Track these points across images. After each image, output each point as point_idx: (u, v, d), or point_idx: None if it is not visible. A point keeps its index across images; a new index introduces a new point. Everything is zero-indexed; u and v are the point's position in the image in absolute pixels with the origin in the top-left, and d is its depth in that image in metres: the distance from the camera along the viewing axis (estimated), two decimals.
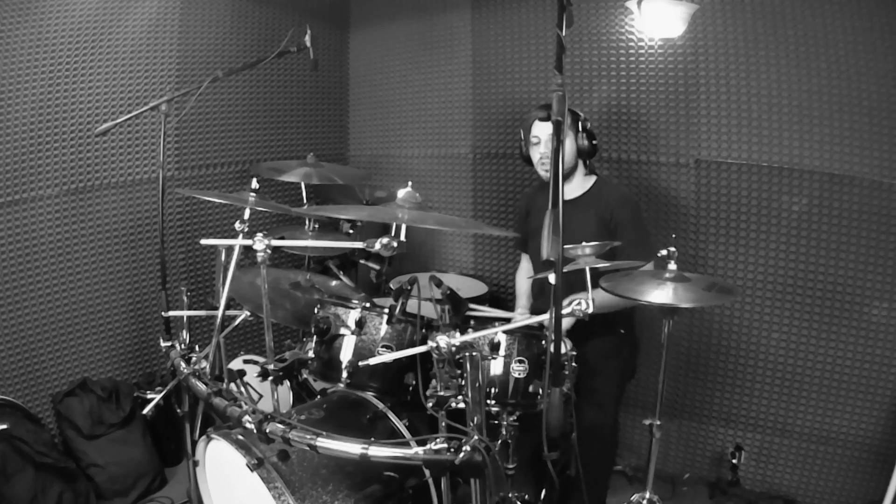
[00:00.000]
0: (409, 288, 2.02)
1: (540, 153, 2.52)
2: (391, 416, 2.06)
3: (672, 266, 1.95)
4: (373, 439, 1.56)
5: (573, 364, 2.16)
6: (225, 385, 1.91)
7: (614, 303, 2.22)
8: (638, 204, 2.64)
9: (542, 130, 2.50)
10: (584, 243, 1.80)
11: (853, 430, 2.67)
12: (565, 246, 1.65)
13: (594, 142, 2.52)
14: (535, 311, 2.76)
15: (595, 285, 1.76)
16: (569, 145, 2.48)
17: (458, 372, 1.72)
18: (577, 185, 2.58)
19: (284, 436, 1.61)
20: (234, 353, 2.77)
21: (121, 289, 3.06)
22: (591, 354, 2.33)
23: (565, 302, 1.67)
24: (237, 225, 2.13)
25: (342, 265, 3.18)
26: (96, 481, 2.72)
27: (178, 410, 2.28)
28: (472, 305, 2.53)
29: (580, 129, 2.48)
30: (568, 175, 2.55)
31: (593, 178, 2.61)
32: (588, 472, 2.17)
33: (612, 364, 2.46)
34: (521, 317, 2.64)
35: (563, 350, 1.85)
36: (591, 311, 1.63)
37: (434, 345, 1.65)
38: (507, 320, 2.59)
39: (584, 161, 2.58)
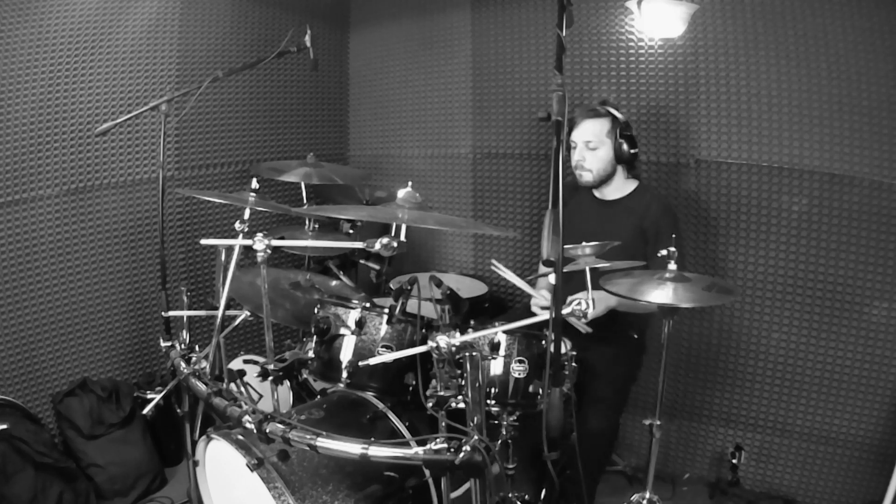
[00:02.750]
0: (409, 288, 2.02)
1: (575, 160, 2.54)
2: (391, 416, 2.06)
3: (672, 266, 1.95)
4: (373, 439, 1.56)
5: (573, 364, 2.16)
6: (225, 385, 1.91)
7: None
8: (677, 216, 2.66)
9: (578, 136, 2.51)
10: (584, 243, 1.80)
11: (853, 430, 2.67)
12: (567, 245, 1.66)
13: (633, 150, 2.49)
14: None
15: (595, 286, 1.76)
16: (605, 152, 2.50)
17: (458, 372, 1.72)
18: (615, 189, 2.60)
19: (284, 436, 1.61)
20: (234, 353, 2.77)
21: (121, 289, 3.06)
22: (598, 359, 2.33)
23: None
24: (237, 225, 2.13)
25: (342, 265, 3.18)
26: (96, 481, 2.72)
27: (178, 410, 2.28)
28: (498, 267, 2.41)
29: (618, 135, 2.47)
30: (606, 180, 2.56)
31: (635, 183, 2.61)
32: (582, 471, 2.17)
33: (619, 371, 2.47)
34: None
35: (563, 350, 1.85)
36: (591, 311, 1.63)
37: (434, 345, 1.65)
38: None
39: (624, 167, 2.58)
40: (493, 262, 2.35)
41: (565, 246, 1.55)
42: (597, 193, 2.64)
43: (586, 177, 2.54)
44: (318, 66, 2.55)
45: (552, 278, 2.13)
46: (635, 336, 2.57)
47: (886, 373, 2.58)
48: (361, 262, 1.95)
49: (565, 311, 1.62)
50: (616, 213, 2.57)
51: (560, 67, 1.42)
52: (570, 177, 2.62)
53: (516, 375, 2.03)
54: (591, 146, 2.50)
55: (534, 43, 3.19)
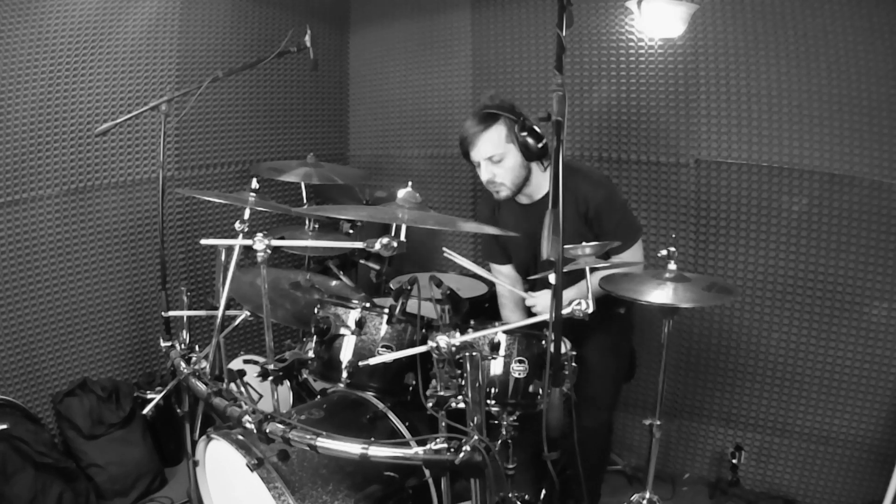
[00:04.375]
0: (409, 288, 2.02)
1: (485, 180, 2.29)
2: (391, 416, 2.06)
3: (672, 266, 1.96)
4: (373, 439, 1.56)
5: (573, 364, 2.16)
6: (225, 385, 1.91)
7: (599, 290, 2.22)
8: (610, 183, 2.43)
9: (477, 154, 2.26)
10: (584, 243, 1.80)
11: (853, 430, 2.67)
12: (566, 246, 1.65)
13: (540, 143, 2.19)
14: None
15: (571, 283, 1.75)
16: (512, 159, 2.24)
17: (458, 372, 1.72)
18: (537, 187, 2.37)
19: (284, 436, 1.61)
20: (234, 353, 2.77)
21: (121, 289, 3.06)
22: (589, 353, 2.32)
23: (564, 301, 1.67)
24: (237, 225, 2.13)
25: (342, 265, 3.18)
26: (96, 481, 2.72)
27: (178, 410, 2.28)
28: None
29: (518, 133, 2.19)
30: (524, 185, 2.32)
31: None
32: (583, 470, 2.17)
33: (611, 364, 2.46)
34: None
35: (563, 350, 1.85)
36: (591, 311, 1.63)
37: (434, 345, 1.65)
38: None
39: (539, 162, 2.31)
40: (445, 249, 2.20)
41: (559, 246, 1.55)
42: (521, 200, 2.40)
43: (503, 192, 2.30)
44: (318, 66, 2.55)
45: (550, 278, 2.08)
46: (621, 311, 2.45)
47: (886, 373, 2.58)
48: (361, 262, 1.95)
49: (565, 311, 1.62)
50: (545, 208, 2.29)
51: (560, 67, 1.42)
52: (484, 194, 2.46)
53: (516, 375, 2.03)
54: (496, 159, 2.23)
55: (534, 43, 3.19)
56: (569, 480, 2.29)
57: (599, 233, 2.29)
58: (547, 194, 2.36)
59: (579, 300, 1.63)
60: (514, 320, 2.52)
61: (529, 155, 2.22)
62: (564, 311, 1.61)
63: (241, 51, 3.33)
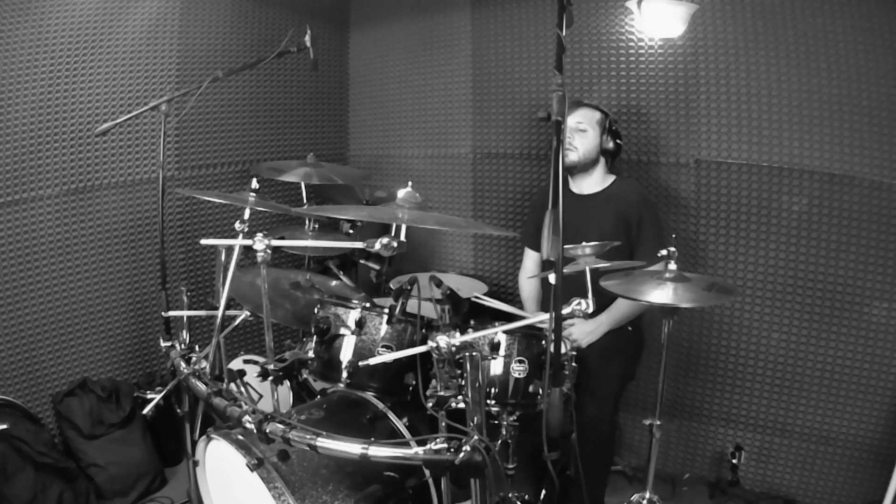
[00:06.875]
0: (409, 288, 2.02)
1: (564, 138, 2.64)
2: (391, 416, 2.06)
3: (672, 266, 1.95)
4: (373, 439, 1.56)
5: (573, 364, 2.16)
6: (225, 385, 1.91)
7: (633, 312, 2.47)
8: (657, 205, 2.79)
9: (570, 120, 2.57)
10: (584, 243, 1.80)
11: (853, 430, 2.67)
12: (567, 245, 1.66)
13: (618, 141, 2.63)
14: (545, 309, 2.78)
15: (595, 285, 1.76)
16: (592, 138, 2.59)
17: (458, 372, 1.72)
18: (595, 182, 2.66)
19: (284, 436, 1.61)
20: (234, 353, 2.77)
21: (121, 289, 3.06)
22: (593, 351, 2.33)
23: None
24: (237, 225, 2.13)
25: (342, 265, 3.18)
26: (96, 481, 2.72)
27: (178, 410, 2.28)
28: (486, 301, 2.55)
29: (606, 127, 2.60)
30: (588, 168, 2.63)
31: (612, 177, 2.68)
32: (586, 471, 2.17)
33: (615, 362, 2.48)
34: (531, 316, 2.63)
35: (562, 350, 1.85)
36: (591, 311, 1.63)
37: (434, 345, 1.65)
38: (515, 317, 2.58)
39: (607, 159, 2.66)
40: (477, 295, 2.47)
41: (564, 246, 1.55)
42: (574, 189, 2.69)
43: (571, 156, 2.59)
44: (318, 66, 2.55)
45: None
46: (629, 329, 2.60)
47: (886, 373, 2.58)
48: (361, 262, 1.96)
49: (566, 310, 1.62)
50: (594, 205, 2.61)
51: (560, 67, 1.42)
52: (546, 182, 2.71)
53: (516, 375, 2.03)
54: (581, 127, 2.58)
55: (534, 43, 3.19)
56: (569, 481, 2.29)
57: (634, 241, 2.54)
58: (600, 191, 2.64)
59: (579, 300, 1.63)
60: (532, 306, 2.85)
61: (605, 146, 2.60)
62: (565, 311, 1.61)
63: (241, 51, 3.33)
